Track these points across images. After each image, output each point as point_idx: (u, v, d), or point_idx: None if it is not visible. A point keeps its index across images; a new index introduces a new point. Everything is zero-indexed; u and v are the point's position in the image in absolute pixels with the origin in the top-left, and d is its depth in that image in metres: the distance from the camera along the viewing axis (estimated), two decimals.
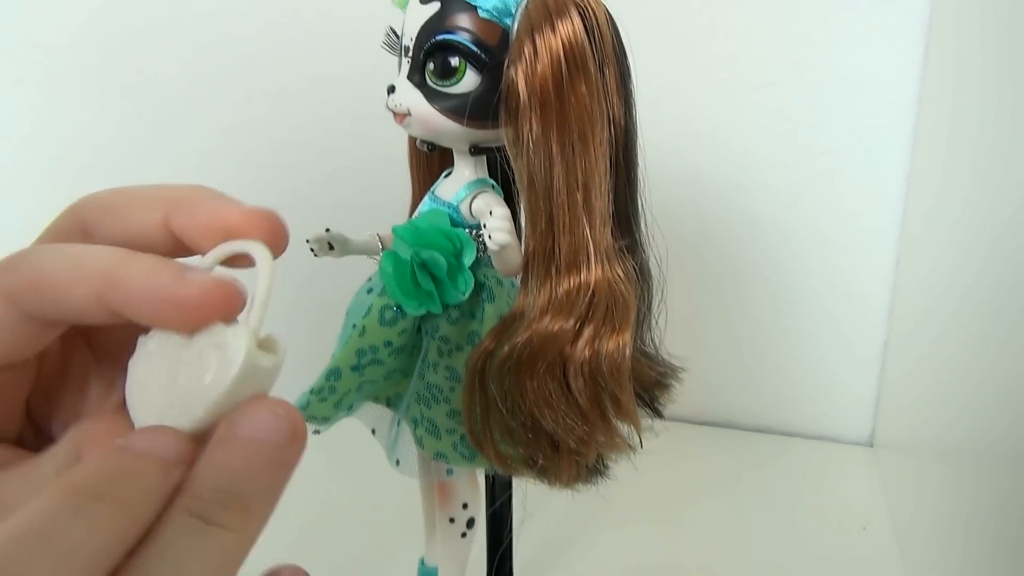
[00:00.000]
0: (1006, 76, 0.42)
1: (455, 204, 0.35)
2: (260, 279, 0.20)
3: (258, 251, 0.20)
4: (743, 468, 0.64)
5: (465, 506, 0.40)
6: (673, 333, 0.68)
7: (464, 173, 0.36)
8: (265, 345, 0.20)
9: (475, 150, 0.35)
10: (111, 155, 0.76)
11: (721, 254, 0.66)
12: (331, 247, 0.38)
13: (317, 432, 0.37)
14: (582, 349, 0.31)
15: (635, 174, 0.34)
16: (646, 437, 0.35)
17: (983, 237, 0.44)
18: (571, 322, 0.31)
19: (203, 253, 0.21)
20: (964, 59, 0.51)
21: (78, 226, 0.21)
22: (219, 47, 0.71)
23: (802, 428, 0.68)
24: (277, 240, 0.20)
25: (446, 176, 0.37)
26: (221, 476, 0.18)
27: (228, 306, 0.19)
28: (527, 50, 0.30)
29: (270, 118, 0.72)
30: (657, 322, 0.36)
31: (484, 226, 0.31)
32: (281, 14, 0.69)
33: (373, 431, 0.40)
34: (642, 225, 0.35)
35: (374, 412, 0.40)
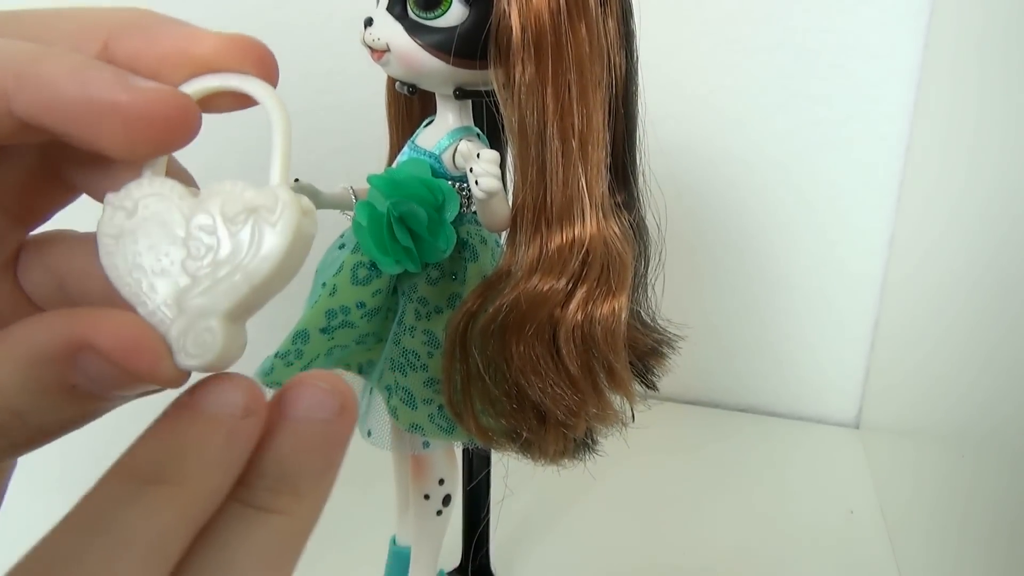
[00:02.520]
0: (1010, 46, 0.40)
1: (437, 153, 0.32)
2: (273, 121, 0.16)
3: (256, 87, 0.16)
4: (728, 449, 0.62)
5: (441, 482, 0.37)
6: (657, 308, 0.66)
7: (447, 120, 0.33)
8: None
9: (460, 93, 0.32)
10: None
11: (710, 227, 0.63)
12: None
13: None
14: (574, 312, 0.28)
15: (634, 124, 0.31)
16: (638, 410, 0.32)
17: (981, 217, 0.42)
18: (563, 282, 0.28)
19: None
20: (967, 27, 0.48)
21: None
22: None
23: (789, 409, 0.67)
24: (268, 75, 0.16)
25: (427, 124, 0.34)
26: (270, 461, 0.15)
27: (186, 125, 0.15)
28: None
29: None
30: (654, 285, 0.33)
31: (471, 171, 0.28)
32: None
33: None
34: (640, 180, 0.32)
35: (346, 379, 0.37)
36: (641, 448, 0.57)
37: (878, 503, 0.55)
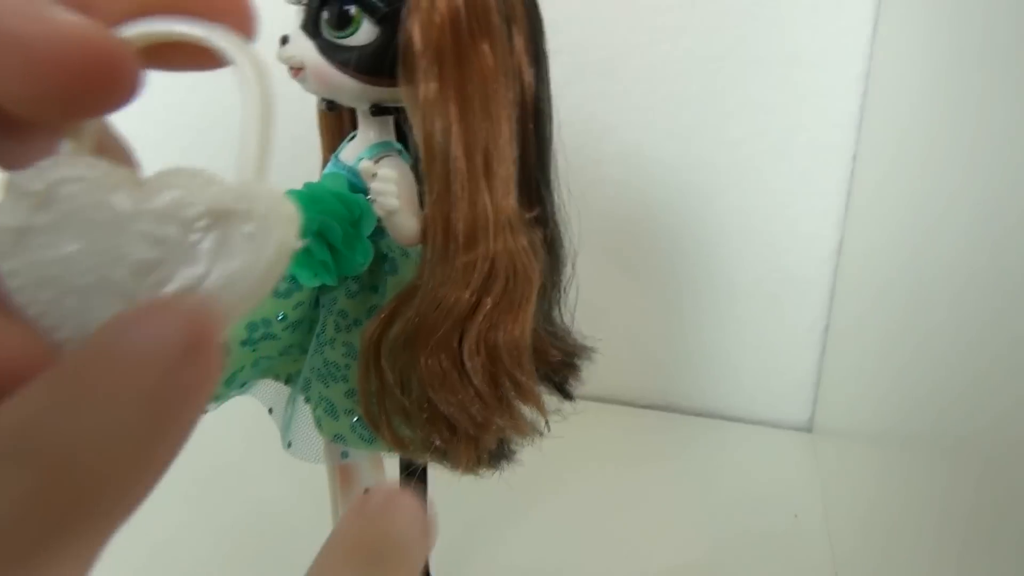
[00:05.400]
0: (954, 55, 0.41)
1: (356, 169, 0.33)
2: (245, 91, 0.12)
3: (226, 41, 0.12)
4: (679, 452, 0.63)
5: (367, 491, 0.38)
6: (610, 313, 0.66)
7: (368, 135, 0.33)
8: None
9: (376, 110, 0.32)
10: None
11: (662, 233, 0.64)
12: None
13: (205, 411, 0.34)
14: (479, 324, 0.29)
15: (546, 140, 0.32)
16: (555, 419, 0.33)
17: (927, 222, 0.43)
18: (467, 294, 0.29)
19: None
20: (912, 37, 0.49)
21: None
22: None
23: (742, 412, 0.67)
24: (244, 28, 0.12)
25: (351, 139, 0.35)
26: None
27: (116, 78, 0.11)
28: (424, 1, 0.28)
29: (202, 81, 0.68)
30: (567, 298, 0.34)
31: (369, 189, 0.29)
32: None
33: (270, 411, 0.38)
34: (555, 196, 0.32)
35: (272, 390, 0.37)
36: (589, 452, 0.58)
37: (823, 507, 0.56)
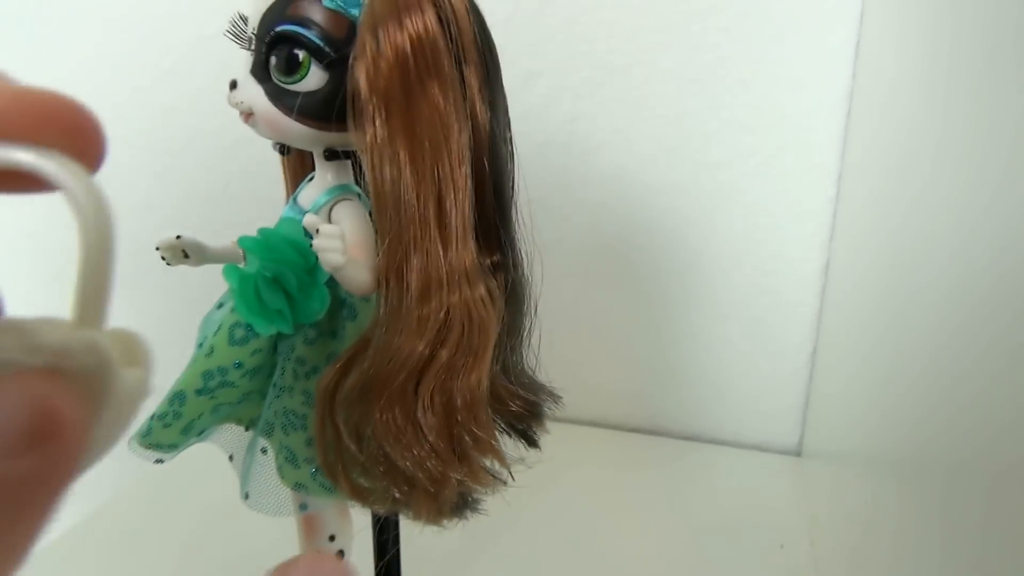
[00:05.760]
0: (937, 75, 0.40)
1: (313, 212, 0.32)
2: (80, 230, 0.11)
3: (58, 169, 0.11)
4: (665, 477, 0.62)
5: (332, 538, 0.37)
6: (598, 336, 0.66)
7: (326, 178, 0.33)
8: (121, 350, 0.11)
9: (330, 154, 0.31)
10: None
11: (647, 256, 0.63)
12: (186, 255, 0.35)
13: (160, 462, 0.34)
14: (432, 377, 0.28)
15: (504, 183, 0.31)
16: (519, 468, 0.32)
17: (913, 243, 0.42)
18: (421, 346, 0.28)
19: None
20: (896, 55, 0.48)
21: None
22: (128, 27, 0.67)
23: (729, 436, 0.66)
24: (85, 153, 0.11)
25: (310, 180, 0.34)
26: None
27: None
28: (369, 46, 0.27)
29: (181, 103, 0.68)
30: (529, 343, 0.33)
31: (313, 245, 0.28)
32: None
33: (231, 458, 0.37)
34: (516, 240, 0.32)
35: (233, 436, 0.37)
36: (573, 476, 0.57)
37: (810, 535, 0.55)
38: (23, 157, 0.10)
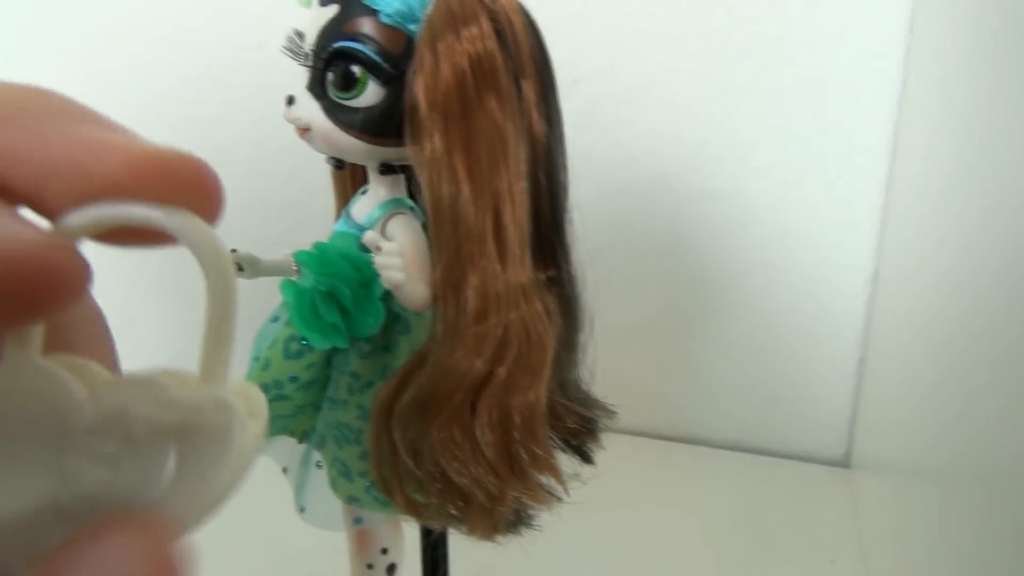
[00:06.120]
0: (989, 79, 0.39)
1: (367, 226, 0.32)
2: (206, 279, 0.11)
3: (185, 226, 0.11)
4: (707, 487, 0.61)
5: (385, 551, 0.37)
6: (640, 344, 0.65)
7: (379, 192, 0.33)
8: (243, 404, 0.11)
9: (385, 169, 0.31)
10: None
11: (690, 263, 0.62)
12: (240, 268, 0.35)
13: None
14: (491, 394, 0.28)
15: (560, 197, 0.31)
16: (574, 485, 0.32)
17: (964, 250, 0.41)
18: (479, 363, 0.28)
19: (51, 215, 0.11)
20: (947, 60, 0.47)
21: None
22: (167, 39, 0.68)
23: (774, 446, 0.65)
24: (206, 210, 0.12)
25: (362, 193, 0.34)
26: None
27: (58, 291, 0.10)
28: (428, 61, 0.27)
29: (222, 113, 0.68)
30: (585, 359, 0.33)
31: (374, 262, 0.28)
32: (239, 1, 0.65)
33: (284, 470, 0.37)
34: (570, 254, 0.31)
35: (286, 448, 0.37)
36: (619, 486, 0.57)
37: (860, 548, 0.54)
38: (156, 216, 0.11)
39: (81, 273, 0.10)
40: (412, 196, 0.33)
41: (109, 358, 0.13)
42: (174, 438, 0.10)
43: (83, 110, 0.12)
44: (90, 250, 0.10)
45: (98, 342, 0.13)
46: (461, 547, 0.36)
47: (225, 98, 0.68)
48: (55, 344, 0.11)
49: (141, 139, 0.11)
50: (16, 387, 0.10)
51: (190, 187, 0.11)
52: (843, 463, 0.64)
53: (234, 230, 0.70)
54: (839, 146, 0.57)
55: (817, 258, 0.60)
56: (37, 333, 0.11)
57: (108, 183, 0.11)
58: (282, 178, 0.68)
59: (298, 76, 0.31)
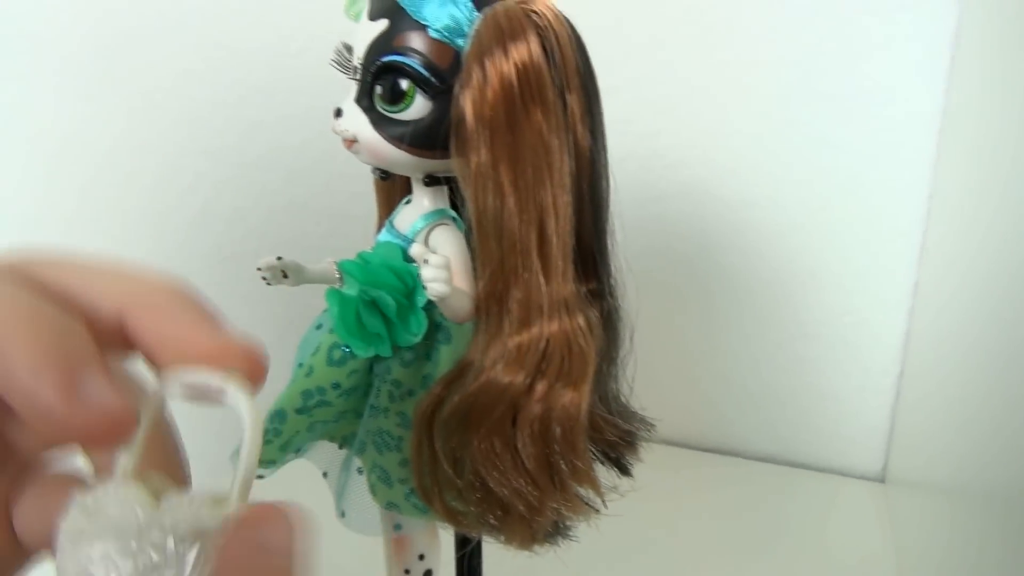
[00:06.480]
0: None
1: (410, 237, 0.33)
2: (244, 434, 0.16)
3: (240, 399, 0.16)
4: (742, 499, 0.61)
5: (422, 557, 0.37)
6: (675, 354, 0.65)
7: (423, 203, 0.33)
8: None
9: (430, 180, 0.32)
10: (107, 153, 0.75)
11: (726, 272, 0.62)
12: (285, 275, 0.36)
13: (260, 477, 0.35)
14: (532, 407, 0.28)
15: (603, 210, 0.31)
16: (611, 497, 0.32)
17: (1009, 263, 0.40)
18: (521, 376, 0.28)
19: (157, 369, 0.17)
20: (993, 71, 0.46)
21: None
22: (216, 46, 0.69)
23: (811, 459, 0.65)
24: (255, 379, 0.17)
25: (406, 203, 0.34)
26: None
27: (113, 438, 0.15)
28: (476, 75, 0.27)
29: (266, 118, 0.70)
30: (625, 372, 0.33)
31: (420, 274, 0.29)
32: (279, 10, 0.66)
33: (325, 474, 0.38)
34: (611, 266, 0.31)
35: (327, 453, 0.37)
36: (653, 496, 0.57)
37: (897, 567, 0.53)
38: (215, 382, 0.16)
39: (130, 430, 0.16)
40: (455, 206, 0.34)
41: (178, 470, 0.19)
42: (200, 539, 0.15)
43: (182, 294, 0.17)
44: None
45: (168, 457, 0.18)
46: (496, 555, 0.36)
47: (266, 104, 0.69)
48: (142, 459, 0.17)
49: (212, 318, 0.17)
50: (118, 498, 0.15)
51: (248, 369, 0.16)
52: (879, 478, 0.64)
53: (274, 233, 0.71)
54: (880, 157, 0.56)
55: (857, 268, 0.59)
56: (136, 452, 0.16)
57: (195, 359, 0.16)
58: (321, 183, 0.69)
59: (344, 87, 0.31)
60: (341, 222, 0.69)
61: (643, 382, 0.35)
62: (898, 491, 0.59)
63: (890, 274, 0.59)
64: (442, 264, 0.28)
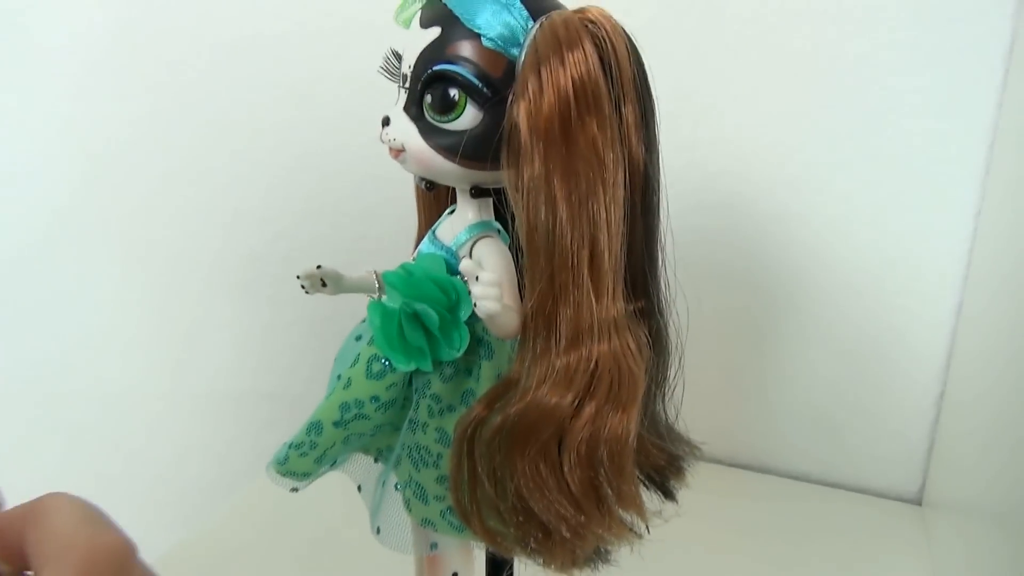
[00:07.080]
0: None
1: (453, 249, 0.32)
2: None
3: None
4: (776, 517, 0.59)
5: (455, 575, 0.36)
6: (709, 368, 0.64)
7: (467, 215, 0.32)
8: None
9: (476, 192, 0.31)
10: (138, 152, 0.75)
11: (766, 286, 0.61)
12: (324, 284, 0.35)
13: (295, 490, 0.34)
14: (580, 429, 0.27)
15: (655, 226, 0.30)
16: (655, 522, 0.31)
17: None
18: (569, 397, 0.27)
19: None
20: None
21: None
22: (251, 47, 0.69)
23: (847, 479, 0.63)
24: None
25: (449, 213, 0.34)
26: None
27: None
28: (532, 86, 0.26)
29: (299, 120, 0.69)
30: (673, 394, 0.32)
31: (469, 292, 0.28)
32: (314, 12, 0.66)
33: (359, 488, 0.37)
34: (661, 284, 0.30)
35: (362, 467, 0.37)
36: (689, 513, 0.56)
37: None
38: None
39: None
40: (499, 217, 0.33)
41: None
42: None
43: (65, 519, 0.19)
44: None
45: None
46: (528, 572, 0.35)
47: (301, 107, 0.69)
48: None
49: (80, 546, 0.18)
50: None
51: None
52: (916, 500, 0.62)
53: (307, 236, 0.71)
54: (927, 173, 0.55)
55: (900, 286, 0.57)
56: None
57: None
58: (355, 187, 0.69)
59: (382, 92, 0.31)
60: (375, 226, 0.69)
61: (683, 401, 0.34)
62: (935, 514, 0.58)
63: (934, 292, 0.57)
64: (493, 282, 0.27)
